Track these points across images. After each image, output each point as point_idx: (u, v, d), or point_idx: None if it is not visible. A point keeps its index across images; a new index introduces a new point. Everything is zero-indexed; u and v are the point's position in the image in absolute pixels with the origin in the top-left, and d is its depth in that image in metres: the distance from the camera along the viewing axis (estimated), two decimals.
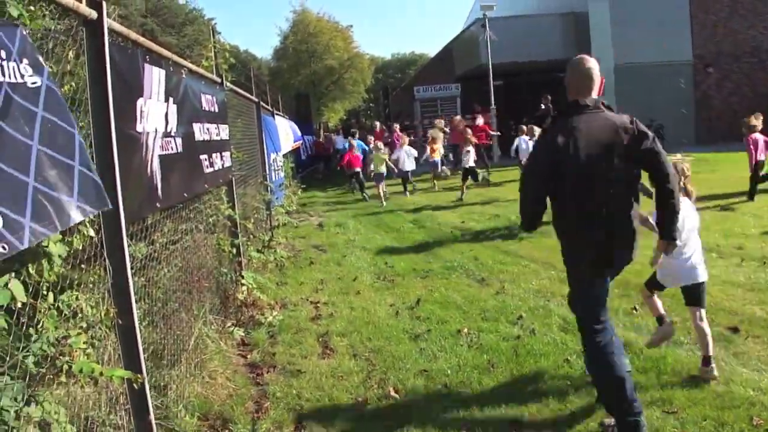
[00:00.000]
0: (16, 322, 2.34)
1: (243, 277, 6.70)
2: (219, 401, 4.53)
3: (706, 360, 4.36)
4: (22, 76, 2.26)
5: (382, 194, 15.96)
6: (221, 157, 6.11)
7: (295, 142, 18.34)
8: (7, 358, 2.27)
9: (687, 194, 4.50)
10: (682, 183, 4.40)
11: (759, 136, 11.26)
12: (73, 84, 3.18)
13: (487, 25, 23.10)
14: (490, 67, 23.20)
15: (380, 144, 17.88)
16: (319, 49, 47.36)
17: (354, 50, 50.64)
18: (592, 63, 3.90)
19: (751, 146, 11.19)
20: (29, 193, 2.14)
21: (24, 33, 2.30)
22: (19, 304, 2.22)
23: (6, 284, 2.13)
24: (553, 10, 27.83)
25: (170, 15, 40.69)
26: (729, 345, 4.88)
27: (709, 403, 3.99)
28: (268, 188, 10.07)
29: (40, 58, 2.43)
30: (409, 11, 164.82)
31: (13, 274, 2.22)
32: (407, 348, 5.42)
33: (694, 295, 4.58)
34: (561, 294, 6.50)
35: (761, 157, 11.22)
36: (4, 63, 2.14)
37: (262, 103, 11.38)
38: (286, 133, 15.34)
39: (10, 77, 2.18)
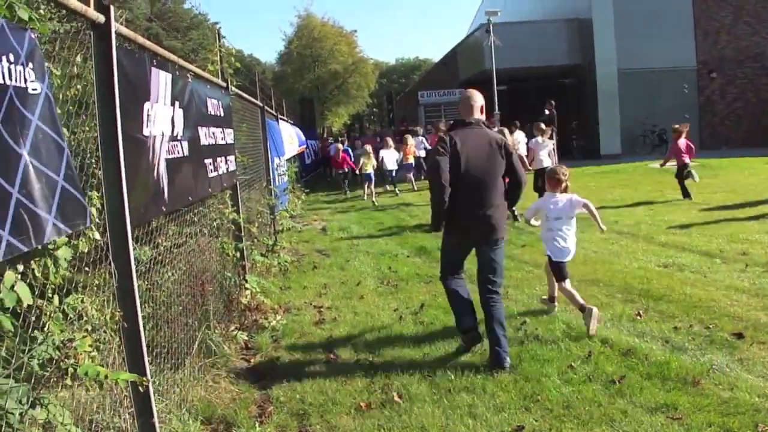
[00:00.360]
0: (21, 325, 2.34)
1: (247, 281, 6.70)
2: (222, 405, 4.53)
3: (552, 298, 6.24)
4: (25, 81, 2.25)
5: (371, 193, 17.74)
6: (226, 161, 6.12)
7: (299, 146, 18.40)
8: (13, 360, 2.27)
9: (565, 190, 6.09)
10: (563, 185, 6.06)
11: (684, 142, 12.89)
12: (80, 87, 3.19)
13: (491, 31, 23.09)
14: (494, 72, 23.20)
15: (368, 148, 19.29)
16: (323, 54, 47.47)
17: (358, 55, 50.77)
18: (474, 94, 5.48)
19: (681, 150, 12.80)
20: (12, 204, 2.10)
21: (32, 37, 2.31)
22: (25, 305, 2.22)
23: (12, 286, 2.13)
24: (557, 16, 27.85)
25: (175, 19, 40.74)
26: (734, 351, 4.86)
27: (713, 409, 3.97)
28: (273, 192, 10.08)
29: (46, 64, 2.43)
30: (413, 16, 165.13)
31: (19, 277, 2.22)
32: (411, 353, 5.42)
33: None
34: (565, 299, 6.49)
35: (687, 160, 12.82)
36: (12, 66, 2.14)
37: (266, 107, 11.39)
38: (290, 137, 15.37)
39: (15, 81, 2.17)
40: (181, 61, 4.80)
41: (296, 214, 14.28)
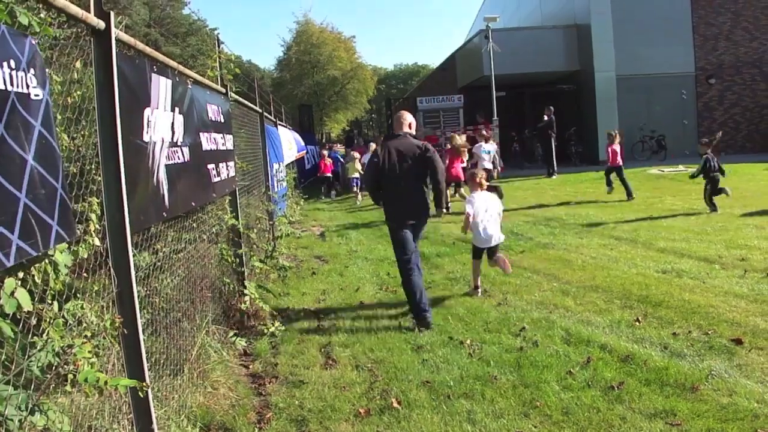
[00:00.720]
0: (21, 330, 2.34)
1: (245, 287, 6.69)
2: (221, 411, 4.52)
3: (475, 287, 7.41)
4: (27, 87, 2.26)
5: (359, 194, 19.42)
6: (227, 166, 6.13)
7: (298, 152, 18.46)
8: (12, 367, 2.27)
9: (482, 188, 7.47)
10: (479, 180, 7.48)
11: (617, 147, 14.55)
12: (78, 93, 3.20)
13: (491, 37, 23.12)
14: (493, 78, 23.21)
15: (356, 154, 20.96)
16: (322, 60, 47.48)
17: (357, 61, 50.78)
18: (404, 114, 7.15)
19: (610, 153, 14.61)
20: (20, 209, 2.11)
21: (33, 43, 2.31)
22: (25, 311, 2.22)
23: (12, 292, 2.13)
24: (555, 22, 27.88)
25: (174, 25, 40.72)
26: (732, 357, 4.87)
27: (712, 415, 3.98)
28: (271, 198, 10.08)
29: (47, 71, 2.43)
30: (411, 22, 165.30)
31: (19, 283, 2.22)
32: (410, 359, 5.42)
33: (492, 251, 7.35)
34: (564, 306, 6.50)
35: (619, 162, 14.55)
36: (13, 72, 2.14)
37: (265, 113, 11.40)
38: (289, 143, 15.38)
39: (17, 87, 2.18)
40: (181, 67, 4.80)
41: (295, 220, 14.28)
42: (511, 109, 27.58)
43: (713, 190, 11.65)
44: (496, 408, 4.36)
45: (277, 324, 6.46)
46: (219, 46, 7.08)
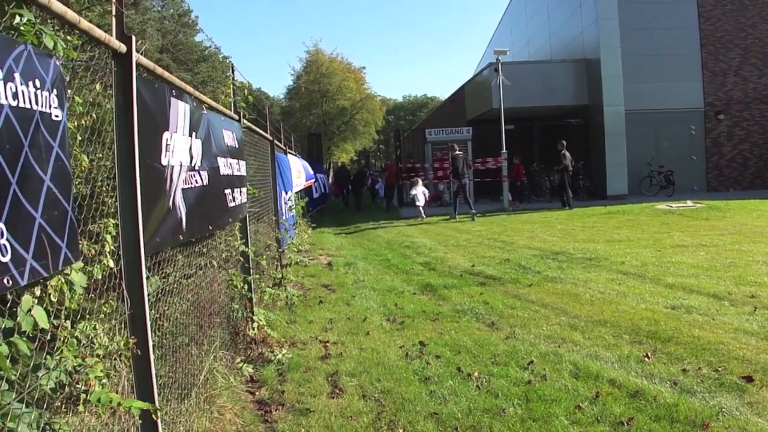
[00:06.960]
0: (34, 348, 2.34)
1: (254, 314, 6.68)
2: None
3: None
4: (50, 107, 2.29)
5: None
6: (240, 192, 6.18)
7: (307, 180, 18.55)
8: (26, 385, 2.27)
9: None
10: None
11: None
12: (94, 115, 3.22)
13: (500, 70, 23.28)
14: (502, 111, 23.33)
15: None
16: (331, 90, 47.85)
17: (366, 91, 51.12)
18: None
19: None
20: (35, 229, 2.13)
21: (57, 64, 2.35)
22: (39, 328, 2.23)
23: (29, 310, 2.14)
24: (565, 56, 28.11)
25: (186, 51, 41.23)
26: (743, 394, 4.81)
27: None
28: (281, 226, 10.10)
29: (68, 92, 2.47)
30: (421, 54, 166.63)
31: (36, 301, 2.22)
32: (417, 390, 5.38)
33: None
34: (572, 340, 6.46)
35: None
36: (38, 92, 2.17)
37: (275, 141, 11.46)
38: (297, 171, 15.45)
39: (41, 106, 2.21)
40: (198, 93, 4.86)
41: (304, 248, 14.29)
42: (519, 142, 27.68)
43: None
44: None
45: (284, 351, 6.44)
46: (234, 74, 7.15)
